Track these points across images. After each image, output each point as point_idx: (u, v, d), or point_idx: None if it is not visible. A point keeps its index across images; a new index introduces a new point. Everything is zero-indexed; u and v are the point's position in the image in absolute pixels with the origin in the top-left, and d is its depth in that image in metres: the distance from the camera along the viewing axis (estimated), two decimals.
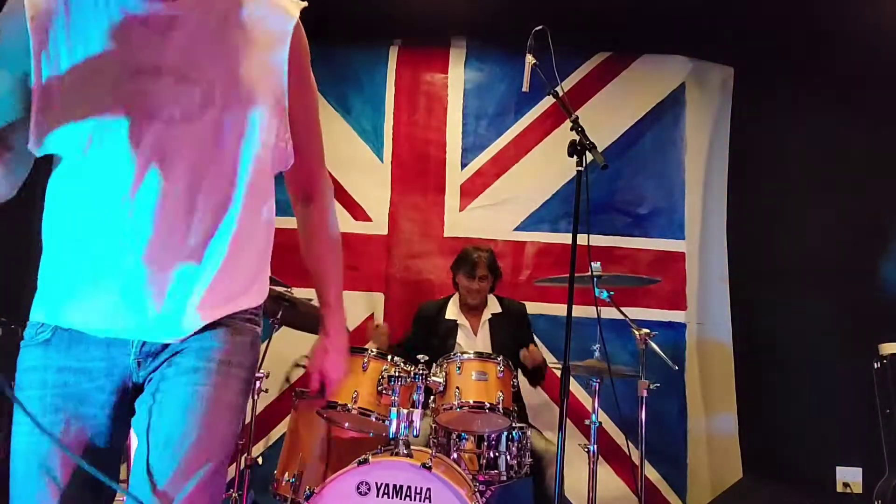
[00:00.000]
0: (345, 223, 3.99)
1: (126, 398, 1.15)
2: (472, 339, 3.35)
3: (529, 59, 2.49)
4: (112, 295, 1.10)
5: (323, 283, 1.41)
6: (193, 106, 1.10)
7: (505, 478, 2.76)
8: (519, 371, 3.05)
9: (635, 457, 3.01)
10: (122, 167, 1.08)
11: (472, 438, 2.79)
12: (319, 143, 1.36)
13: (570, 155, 2.35)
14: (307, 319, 3.00)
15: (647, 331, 2.95)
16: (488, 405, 2.59)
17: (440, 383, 2.59)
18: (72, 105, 1.07)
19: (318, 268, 1.41)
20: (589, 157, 2.32)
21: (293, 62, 1.19)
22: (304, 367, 1.37)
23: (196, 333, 1.14)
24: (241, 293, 1.20)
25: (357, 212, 4.06)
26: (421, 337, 3.37)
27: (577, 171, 2.33)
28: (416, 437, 2.42)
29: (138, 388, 1.16)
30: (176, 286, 1.12)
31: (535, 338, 3.54)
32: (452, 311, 3.41)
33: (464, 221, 4.08)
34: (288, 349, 3.42)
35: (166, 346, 1.14)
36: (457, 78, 4.21)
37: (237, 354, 1.18)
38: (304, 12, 1.23)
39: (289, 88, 1.19)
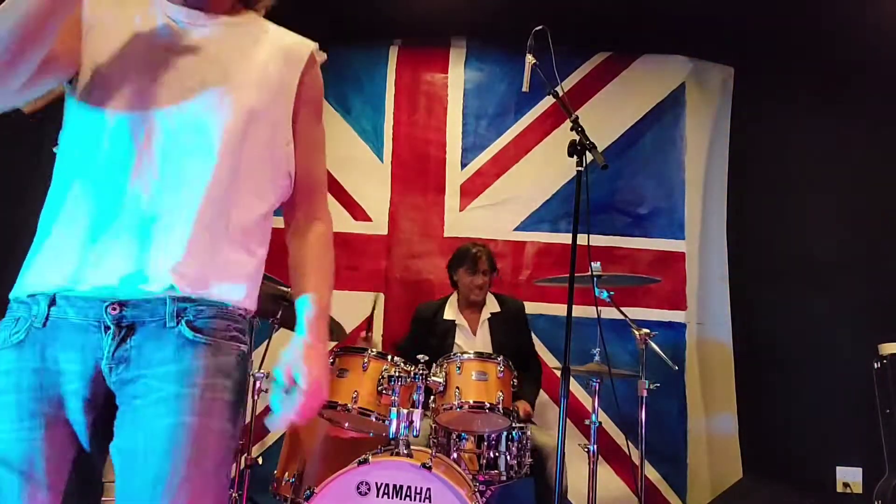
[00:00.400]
0: (345, 223, 3.98)
1: (103, 402, 1.11)
2: (471, 339, 3.34)
3: (529, 59, 2.49)
4: (98, 243, 1.10)
5: (316, 293, 1.29)
6: (213, 84, 1.18)
7: (505, 478, 2.76)
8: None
9: (635, 457, 3.01)
10: (137, 126, 1.14)
11: (472, 438, 2.79)
12: (324, 170, 1.38)
13: (570, 155, 2.35)
14: None
15: (647, 331, 2.95)
16: (488, 405, 2.59)
17: (440, 383, 2.58)
18: (108, 63, 1.16)
19: (310, 271, 1.32)
20: (589, 157, 2.33)
21: (304, 84, 1.29)
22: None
23: (175, 351, 1.10)
24: (219, 275, 1.15)
25: (357, 212, 4.06)
26: (419, 338, 3.37)
27: (577, 171, 2.33)
28: (416, 437, 2.42)
29: (113, 391, 1.11)
30: (157, 241, 1.11)
31: (533, 339, 3.54)
32: (451, 312, 3.41)
33: (464, 221, 4.08)
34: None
35: (141, 353, 1.10)
36: (457, 78, 4.21)
37: (221, 376, 1.12)
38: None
39: (297, 110, 1.28)
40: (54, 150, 1.20)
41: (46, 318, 1.10)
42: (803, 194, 3.98)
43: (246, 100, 1.20)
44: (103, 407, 1.11)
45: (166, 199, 1.12)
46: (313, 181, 1.35)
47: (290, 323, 3.06)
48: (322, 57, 1.34)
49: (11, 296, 1.15)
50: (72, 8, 1.08)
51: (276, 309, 2.91)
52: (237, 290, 1.17)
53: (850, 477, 3.72)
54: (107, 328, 1.10)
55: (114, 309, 1.09)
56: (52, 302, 1.11)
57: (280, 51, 1.28)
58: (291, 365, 1.19)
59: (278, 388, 1.15)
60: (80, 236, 1.11)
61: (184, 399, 1.07)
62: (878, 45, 3.63)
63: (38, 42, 1.05)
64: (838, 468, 3.74)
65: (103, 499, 1.14)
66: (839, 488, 3.72)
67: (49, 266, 1.12)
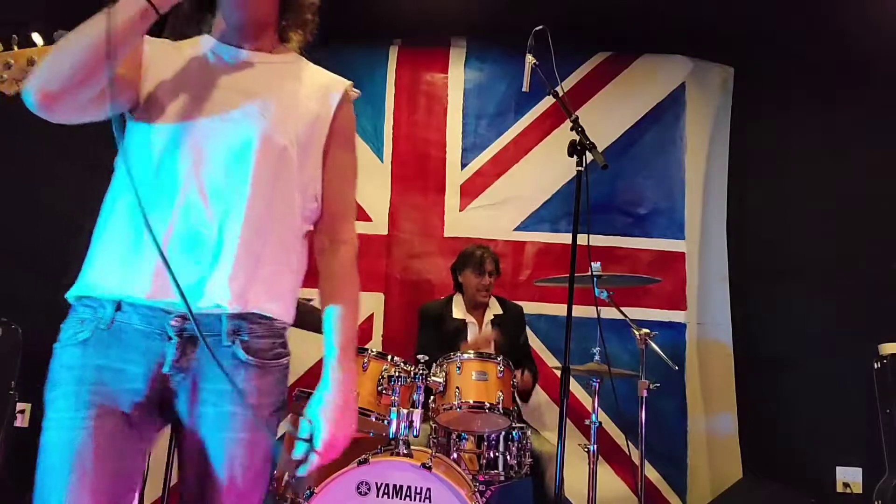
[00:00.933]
0: None
1: (159, 401, 1.22)
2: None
3: (529, 59, 2.49)
4: (155, 259, 1.17)
5: (337, 326, 1.36)
6: (252, 113, 1.29)
7: (504, 478, 2.76)
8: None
9: (635, 457, 3.00)
10: (185, 152, 1.24)
11: (472, 438, 2.79)
12: (352, 197, 1.50)
13: (570, 155, 2.34)
14: (308, 319, 2.99)
15: (647, 331, 2.95)
16: (488, 405, 2.59)
17: (440, 383, 2.59)
18: (163, 93, 1.28)
19: (337, 309, 1.37)
20: (589, 157, 2.32)
21: (337, 118, 1.40)
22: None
23: (227, 363, 1.21)
24: (262, 291, 1.25)
25: (357, 212, 4.05)
26: (432, 334, 3.35)
27: (577, 171, 2.33)
28: (416, 437, 2.43)
29: (171, 395, 1.23)
30: (211, 255, 1.21)
31: (527, 339, 3.54)
32: (458, 311, 3.41)
33: (464, 221, 4.08)
34: (289, 348, 3.42)
35: (200, 364, 1.21)
36: (457, 78, 4.21)
37: (267, 395, 1.26)
38: None
39: (329, 140, 1.39)
40: (114, 161, 1.30)
41: (112, 322, 1.20)
42: (803, 194, 3.98)
43: (283, 131, 1.30)
44: (158, 406, 1.22)
45: (213, 221, 1.22)
46: (340, 205, 1.44)
47: (302, 324, 3.05)
48: (356, 94, 1.46)
49: (72, 297, 1.24)
50: (139, 37, 1.21)
51: None
52: (279, 305, 1.29)
53: (850, 477, 3.72)
54: (169, 338, 1.20)
55: (176, 321, 1.19)
56: (118, 307, 1.20)
57: (318, 87, 1.40)
58: (313, 420, 1.30)
59: (302, 440, 1.29)
60: (142, 249, 1.19)
61: (238, 418, 1.22)
62: (878, 45, 3.63)
63: (110, 60, 1.13)
64: (838, 468, 3.74)
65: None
66: (839, 488, 3.72)
67: (114, 273, 1.20)
